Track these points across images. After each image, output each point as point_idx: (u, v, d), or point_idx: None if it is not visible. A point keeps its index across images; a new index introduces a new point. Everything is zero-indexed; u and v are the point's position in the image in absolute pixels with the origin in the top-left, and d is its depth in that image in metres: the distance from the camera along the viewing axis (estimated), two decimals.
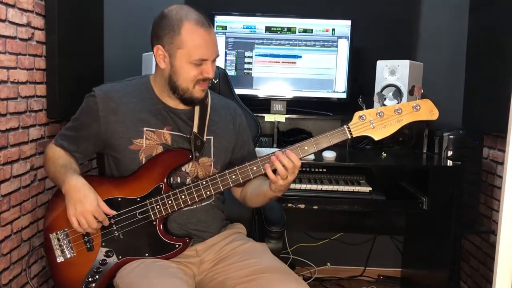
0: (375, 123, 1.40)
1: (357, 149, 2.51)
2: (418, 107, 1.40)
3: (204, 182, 1.48)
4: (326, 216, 2.77)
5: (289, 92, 2.58)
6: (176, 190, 1.48)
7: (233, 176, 1.46)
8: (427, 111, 1.40)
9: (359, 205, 2.23)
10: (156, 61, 1.52)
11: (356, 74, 2.58)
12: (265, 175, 1.44)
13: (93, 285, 1.48)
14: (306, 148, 1.43)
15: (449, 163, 2.28)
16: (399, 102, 1.44)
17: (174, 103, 1.57)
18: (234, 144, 1.66)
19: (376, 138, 1.41)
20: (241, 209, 1.83)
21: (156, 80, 1.57)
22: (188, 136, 1.56)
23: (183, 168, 1.55)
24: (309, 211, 2.32)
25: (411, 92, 1.43)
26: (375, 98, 1.47)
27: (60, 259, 1.50)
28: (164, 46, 1.48)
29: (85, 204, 1.41)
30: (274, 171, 1.41)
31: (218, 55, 1.53)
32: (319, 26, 2.55)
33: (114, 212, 1.47)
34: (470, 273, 2.61)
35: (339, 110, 2.59)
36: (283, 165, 1.39)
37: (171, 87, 1.52)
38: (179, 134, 1.56)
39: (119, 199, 1.49)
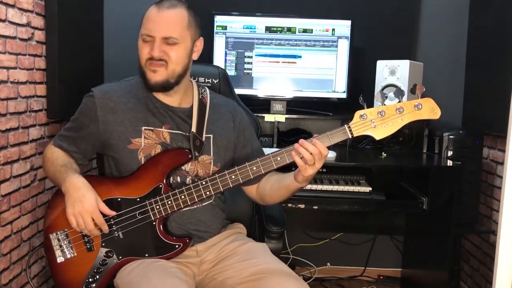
0: (376, 122, 1.39)
1: (357, 149, 2.50)
2: (420, 106, 1.38)
3: (203, 183, 1.47)
4: (326, 216, 2.77)
5: (289, 92, 2.57)
6: (175, 191, 1.48)
7: (233, 177, 1.46)
8: (429, 110, 1.38)
9: (359, 205, 2.23)
10: None
11: (356, 74, 2.57)
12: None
13: (94, 285, 1.48)
14: None
15: (449, 163, 2.28)
16: (400, 101, 1.43)
17: (170, 101, 1.57)
18: (235, 142, 1.65)
19: (377, 138, 1.40)
20: (241, 209, 1.84)
21: None
22: (187, 134, 1.56)
23: (183, 167, 1.55)
24: (309, 211, 2.32)
25: (412, 91, 1.41)
26: (376, 97, 1.46)
27: (60, 259, 1.50)
28: None
29: (84, 203, 1.41)
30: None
31: (170, 37, 1.46)
32: (319, 26, 2.55)
33: (113, 213, 1.46)
34: (470, 273, 2.61)
35: (339, 110, 2.58)
36: (310, 153, 1.38)
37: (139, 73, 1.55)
38: (178, 132, 1.56)
39: (119, 199, 1.49)
